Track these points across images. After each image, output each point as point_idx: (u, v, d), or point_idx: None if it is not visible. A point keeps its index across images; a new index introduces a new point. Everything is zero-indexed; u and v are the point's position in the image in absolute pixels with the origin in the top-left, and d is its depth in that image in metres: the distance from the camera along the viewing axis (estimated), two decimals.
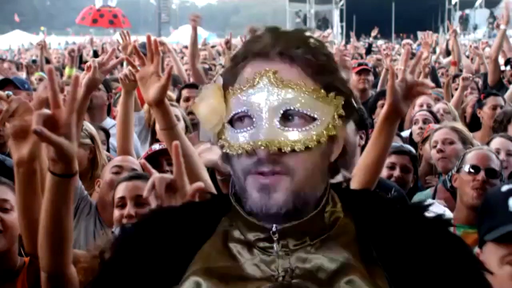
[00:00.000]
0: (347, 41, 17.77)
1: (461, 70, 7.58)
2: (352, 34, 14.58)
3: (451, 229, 1.17)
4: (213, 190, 2.03)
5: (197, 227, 1.17)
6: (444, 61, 9.83)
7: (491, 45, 8.44)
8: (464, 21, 32.57)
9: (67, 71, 6.39)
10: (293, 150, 1.06)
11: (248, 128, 1.09)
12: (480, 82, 7.08)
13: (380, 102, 4.86)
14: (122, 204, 2.52)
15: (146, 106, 4.06)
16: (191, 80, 6.26)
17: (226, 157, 1.14)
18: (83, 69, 4.07)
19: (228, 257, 1.12)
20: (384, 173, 3.27)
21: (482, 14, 32.13)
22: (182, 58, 9.79)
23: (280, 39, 1.10)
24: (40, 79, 6.38)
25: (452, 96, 5.75)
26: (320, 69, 1.10)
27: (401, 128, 4.82)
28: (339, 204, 1.18)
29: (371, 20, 20.53)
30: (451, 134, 3.56)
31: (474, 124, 5.22)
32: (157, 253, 1.14)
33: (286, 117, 1.08)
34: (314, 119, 1.09)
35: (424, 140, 4.10)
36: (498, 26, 7.00)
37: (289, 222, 1.09)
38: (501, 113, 4.58)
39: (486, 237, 1.70)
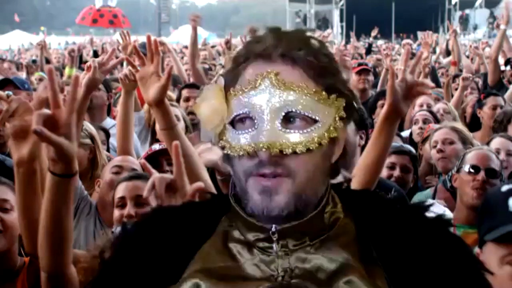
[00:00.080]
0: (347, 41, 17.76)
1: (461, 70, 7.58)
2: (352, 34, 14.58)
3: (451, 229, 1.17)
4: (213, 190, 2.03)
5: (197, 227, 1.17)
6: (444, 61, 9.83)
7: (491, 45, 8.44)
8: (464, 21, 32.57)
9: (67, 71, 6.39)
10: (294, 152, 1.06)
11: (250, 130, 1.09)
12: (480, 82, 7.08)
13: (380, 102, 4.86)
14: (122, 204, 2.52)
15: (146, 106, 4.06)
16: (191, 80, 6.25)
17: (227, 158, 1.14)
18: (83, 69, 4.07)
19: (228, 257, 1.13)
20: (384, 173, 3.27)
21: (482, 14, 32.13)
22: (182, 58, 9.79)
23: (282, 40, 1.10)
24: (40, 79, 6.38)
25: (452, 96, 5.76)
26: (322, 71, 1.10)
27: (401, 128, 4.82)
28: (339, 204, 1.18)
29: (371, 20, 20.53)
30: (451, 134, 3.56)
31: (474, 124, 5.22)
32: (157, 252, 1.14)
33: (288, 119, 1.08)
34: (315, 121, 1.09)
35: (424, 140, 4.10)
36: (498, 26, 7.00)
37: (289, 222, 1.09)
38: (501, 113, 4.58)
39: (486, 237, 1.70)
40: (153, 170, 1.78)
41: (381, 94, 4.83)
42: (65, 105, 1.44)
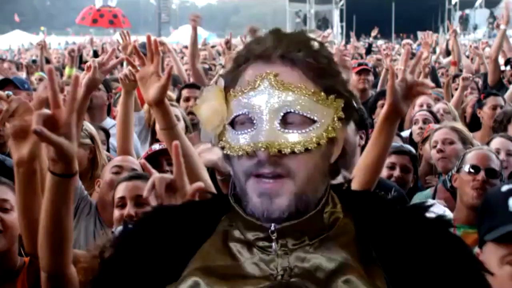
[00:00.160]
0: (347, 41, 17.77)
1: (461, 70, 7.58)
2: (352, 34, 14.58)
3: (451, 229, 1.17)
4: (213, 190, 2.03)
5: (197, 226, 1.18)
6: (444, 61, 9.83)
7: (491, 45, 8.44)
8: (464, 21, 32.58)
9: (67, 71, 6.40)
10: (293, 152, 1.07)
11: (249, 130, 1.10)
12: (480, 82, 7.08)
13: (380, 102, 4.86)
14: (122, 204, 2.52)
15: (146, 106, 4.06)
16: (191, 80, 6.25)
17: (226, 159, 1.15)
18: (83, 69, 4.07)
19: (228, 256, 1.13)
20: (384, 173, 3.27)
21: (482, 14, 32.14)
22: (182, 58, 9.79)
23: (282, 41, 1.11)
24: (40, 79, 6.38)
25: (452, 96, 5.76)
26: (321, 72, 1.11)
27: (401, 128, 4.82)
28: (338, 204, 1.18)
29: (371, 20, 20.54)
30: (451, 134, 3.56)
31: (474, 124, 5.22)
32: (158, 250, 1.15)
33: (286, 120, 1.09)
34: (314, 121, 1.09)
35: (424, 140, 4.10)
36: (498, 26, 7.00)
37: (288, 222, 1.10)
38: (501, 113, 4.58)
39: (486, 237, 1.70)
40: (153, 170, 1.78)
41: (381, 94, 4.83)
42: (65, 105, 1.44)
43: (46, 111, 1.43)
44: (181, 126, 3.43)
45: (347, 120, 1.15)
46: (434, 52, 10.36)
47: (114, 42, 13.24)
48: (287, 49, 1.10)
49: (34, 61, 9.93)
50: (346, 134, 1.17)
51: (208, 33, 28.25)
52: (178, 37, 29.12)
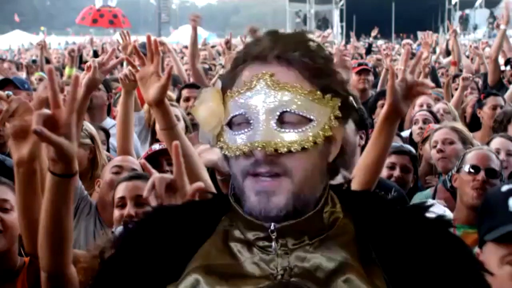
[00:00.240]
0: (347, 41, 17.77)
1: (461, 70, 7.58)
2: (352, 34, 14.57)
3: (451, 229, 1.18)
4: (213, 190, 2.03)
5: (197, 225, 1.18)
6: (444, 61, 9.83)
7: (491, 45, 8.44)
8: (464, 21, 32.58)
9: (67, 71, 6.40)
10: (290, 151, 1.07)
11: (246, 130, 1.11)
12: (480, 82, 7.08)
13: (380, 102, 4.86)
14: (122, 204, 2.52)
15: (146, 106, 4.06)
16: (191, 80, 6.25)
17: (225, 159, 1.16)
18: (83, 69, 4.07)
19: (228, 255, 1.13)
20: (384, 173, 3.27)
21: (482, 14, 32.14)
22: (182, 58, 9.79)
23: (278, 42, 1.12)
24: (40, 79, 6.38)
25: (452, 96, 5.76)
26: (318, 72, 1.12)
27: (401, 128, 4.82)
28: (338, 204, 1.18)
29: (371, 20, 20.54)
30: (451, 134, 3.56)
31: (474, 124, 5.22)
32: (158, 250, 1.15)
33: (283, 119, 1.10)
34: (310, 120, 1.10)
35: (424, 140, 4.10)
36: (498, 26, 7.00)
37: (287, 221, 1.10)
38: (501, 113, 4.58)
39: (486, 237, 1.70)
40: (153, 170, 1.78)
41: (381, 94, 4.83)
42: (65, 105, 1.44)
43: (46, 111, 1.43)
44: (181, 126, 3.43)
45: (344, 119, 1.15)
46: (434, 52, 10.37)
47: (114, 42, 13.24)
48: (283, 49, 1.11)
49: (34, 61, 9.93)
50: (345, 133, 1.17)
51: (208, 33, 28.26)
52: (178, 37, 29.12)
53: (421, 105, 4.94)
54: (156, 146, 3.17)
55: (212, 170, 2.65)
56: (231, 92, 1.14)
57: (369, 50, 12.21)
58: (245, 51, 1.16)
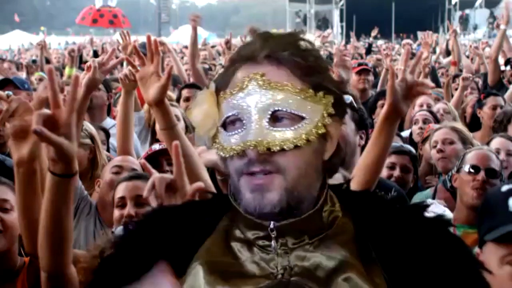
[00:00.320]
0: (347, 41, 17.78)
1: (461, 70, 7.58)
2: (352, 34, 14.58)
3: (451, 229, 1.18)
4: (213, 190, 2.03)
5: (198, 224, 1.18)
6: (444, 61, 9.83)
7: (491, 45, 8.44)
8: (464, 21, 32.60)
9: (67, 71, 6.40)
10: (282, 150, 1.08)
11: (239, 131, 1.12)
12: (480, 82, 7.08)
13: (380, 102, 4.86)
14: (122, 204, 2.52)
15: (146, 106, 4.06)
16: (191, 80, 6.25)
17: (222, 160, 1.17)
18: (83, 69, 4.07)
19: (229, 255, 1.14)
20: (384, 173, 3.27)
21: (482, 14, 32.16)
22: (182, 58, 9.79)
23: (268, 42, 1.14)
24: (40, 79, 6.38)
25: (452, 96, 5.76)
26: (309, 70, 1.13)
27: (401, 128, 4.82)
28: (337, 204, 1.19)
29: (371, 20, 20.54)
30: (451, 134, 3.56)
31: (474, 124, 5.22)
32: (159, 247, 1.15)
33: (275, 118, 1.10)
34: (302, 118, 1.11)
35: (424, 140, 4.10)
36: (498, 26, 7.00)
37: (285, 219, 1.11)
38: (501, 113, 4.58)
39: (486, 237, 1.70)
40: (153, 170, 1.78)
41: (381, 94, 4.83)
42: (65, 105, 1.44)
43: (46, 111, 1.43)
44: (181, 126, 3.43)
45: (339, 116, 1.16)
46: (434, 52, 10.37)
47: (114, 42, 13.24)
48: (273, 49, 1.12)
49: (34, 61, 9.93)
50: (341, 131, 1.18)
51: (208, 33, 28.26)
52: (178, 37, 29.12)
53: (421, 105, 4.94)
54: (156, 146, 3.17)
55: (212, 170, 2.65)
56: (224, 94, 1.15)
57: (369, 50, 12.21)
58: (237, 53, 1.18)
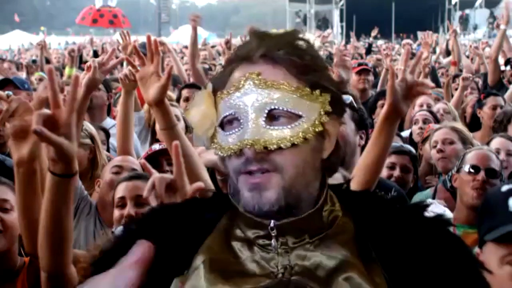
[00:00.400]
0: (347, 41, 17.78)
1: (461, 70, 7.58)
2: (352, 34, 14.58)
3: (451, 229, 1.18)
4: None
5: (198, 222, 1.18)
6: (444, 61, 9.83)
7: (491, 45, 8.44)
8: (464, 21, 32.60)
9: (67, 71, 6.40)
10: (280, 148, 1.08)
11: (236, 130, 1.12)
12: (480, 82, 7.08)
13: (380, 102, 4.86)
14: (122, 204, 2.52)
15: (146, 106, 4.06)
16: (191, 80, 6.26)
17: (221, 160, 1.17)
18: (83, 69, 4.07)
19: (230, 253, 1.14)
20: (384, 173, 3.27)
21: (482, 14, 32.16)
22: (182, 58, 9.79)
23: (264, 42, 1.14)
24: (40, 79, 6.38)
25: (452, 96, 5.76)
26: (305, 68, 1.13)
27: (401, 128, 4.82)
28: (337, 203, 1.19)
29: (371, 20, 20.54)
30: (451, 134, 3.56)
31: (474, 124, 5.23)
32: (160, 244, 1.14)
33: (272, 116, 1.11)
34: (299, 116, 1.11)
35: (424, 140, 4.10)
36: (498, 26, 7.01)
37: (285, 218, 1.11)
38: (501, 113, 4.58)
39: (486, 237, 1.70)
40: (153, 170, 1.78)
41: (381, 94, 4.83)
42: (65, 105, 1.44)
43: (46, 111, 1.43)
44: (181, 126, 3.43)
45: (337, 114, 1.16)
46: (434, 52, 10.37)
47: (114, 42, 13.25)
48: (268, 48, 1.13)
49: (34, 61, 9.93)
50: (340, 130, 1.18)
51: (208, 33, 28.27)
52: (178, 37, 29.13)
53: (421, 105, 4.94)
54: (156, 146, 3.17)
55: (212, 170, 2.65)
56: (221, 94, 1.15)
57: (369, 50, 12.21)
58: (234, 53, 1.19)
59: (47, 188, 1.59)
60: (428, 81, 2.36)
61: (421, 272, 1.09)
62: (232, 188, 1.15)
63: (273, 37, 1.16)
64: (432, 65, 7.30)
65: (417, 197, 3.36)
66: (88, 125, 3.38)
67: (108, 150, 3.81)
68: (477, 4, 33.38)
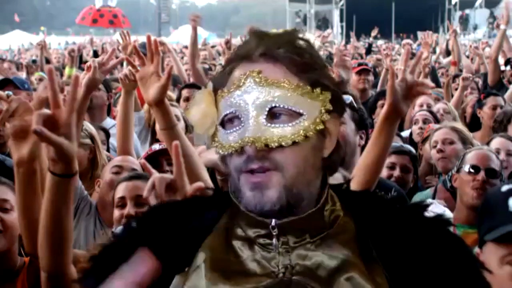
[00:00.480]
0: (347, 41, 17.78)
1: (461, 70, 7.58)
2: (352, 34, 14.58)
3: (451, 228, 1.18)
4: None
5: (198, 220, 1.18)
6: (444, 61, 9.83)
7: (491, 45, 8.44)
8: (464, 21, 32.60)
9: (67, 71, 6.40)
10: (281, 146, 1.08)
11: (237, 128, 1.12)
12: (480, 82, 7.08)
13: (380, 102, 4.86)
14: (122, 204, 2.52)
15: (146, 106, 4.06)
16: (191, 80, 6.26)
17: (222, 159, 1.17)
18: (83, 69, 4.07)
19: (230, 253, 1.14)
20: (384, 173, 3.27)
21: (482, 14, 32.16)
22: (182, 58, 9.79)
23: (263, 40, 1.14)
24: (40, 79, 6.38)
25: (452, 96, 5.76)
26: (305, 66, 1.13)
27: (401, 128, 4.82)
28: (338, 203, 1.19)
29: (371, 20, 20.54)
30: (451, 134, 3.56)
31: (474, 124, 5.22)
32: (160, 242, 1.14)
33: (273, 114, 1.11)
34: (300, 114, 1.11)
35: (424, 140, 4.10)
36: (498, 26, 7.01)
37: (286, 218, 1.10)
38: (501, 113, 4.58)
39: (486, 237, 1.70)
40: (153, 170, 1.78)
41: (381, 94, 4.83)
42: (65, 105, 1.44)
43: (46, 111, 1.43)
44: (181, 126, 3.43)
45: (338, 112, 1.16)
46: (434, 52, 10.37)
47: (114, 42, 13.25)
48: (268, 47, 1.13)
49: (34, 61, 9.93)
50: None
51: (208, 33, 28.27)
52: (178, 37, 29.12)
53: (421, 105, 4.94)
54: (156, 146, 3.17)
55: (212, 170, 2.65)
56: (222, 92, 1.16)
57: (369, 50, 12.21)
58: (234, 53, 1.19)
59: (47, 188, 1.59)
60: (428, 81, 2.36)
61: (422, 272, 1.09)
62: (234, 187, 1.14)
63: (272, 36, 1.16)
64: (432, 65, 7.30)
65: (417, 197, 3.36)
66: (88, 125, 3.38)
67: (108, 150, 3.81)
68: (477, 4, 33.38)
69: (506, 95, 5.56)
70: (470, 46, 10.09)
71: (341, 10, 33.56)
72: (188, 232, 1.16)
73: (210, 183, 2.14)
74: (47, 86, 1.44)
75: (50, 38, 27.55)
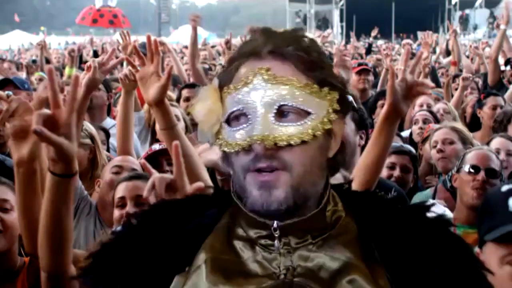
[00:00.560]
0: (347, 41, 17.77)
1: (461, 70, 7.58)
2: (352, 34, 14.58)
3: (452, 229, 1.18)
4: None
5: (199, 219, 1.17)
6: (444, 61, 9.83)
7: (491, 45, 8.44)
8: (464, 21, 32.60)
9: (67, 71, 6.40)
10: (289, 145, 1.07)
11: (244, 126, 1.11)
12: (480, 82, 7.08)
13: (380, 102, 4.86)
14: (122, 204, 2.52)
15: (146, 106, 4.06)
16: (191, 80, 6.25)
17: (225, 157, 1.15)
18: (83, 69, 4.07)
19: (231, 253, 1.13)
20: (384, 173, 3.27)
21: (482, 14, 32.16)
22: (182, 58, 9.79)
23: (271, 38, 1.13)
24: (40, 79, 6.38)
25: (452, 96, 5.76)
26: (313, 65, 1.13)
27: (401, 128, 4.82)
28: (339, 203, 1.18)
29: (371, 20, 20.54)
30: (451, 134, 3.56)
31: (474, 124, 5.22)
32: (161, 241, 1.14)
33: (281, 113, 1.10)
34: (308, 113, 1.10)
35: (424, 140, 4.10)
36: (498, 26, 7.01)
37: (289, 219, 1.10)
38: (501, 113, 4.58)
39: (486, 237, 1.70)
40: (153, 170, 1.78)
41: (381, 94, 4.83)
42: (65, 105, 1.44)
43: (46, 111, 1.43)
44: (181, 126, 3.43)
45: (343, 113, 1.15)
46: (434, 52, 10.37)
47: (114, 42, 13.24)
48: (277, 44, 1.12)
49: (34, 61, 9.92)
50: (344, 130, 1.18)
51: (208, 33, 28.26)
52: (178, 37, 29.12)
53: (421, 105, 4.94)
54: (156, 146, 3.17)
55: (212, 170, 2.65)
56: (228, 89, 1.14)
57: (369, 50, 12.21)
58: (240, 49, 1.17)
59: (47, 188, 1.59)
60: (428, 81, 2.36)
61: (424, 272, 1.08)
62: (238, 186, 1.13)
63: (280, 34, 1.15)
64: (432, 65, 7.30)
65: (417, 197, 3.36)
66: (88, 125, 3.38)
67: (108, 150, 3.81)
68: (477, 4, 33.38)
69: (506, 95, 5.56)
70: (470, 46, 10.09)
71: (341, 10, 33.57)
72: (188, 231, 1.15)
73: (210, 183, 2.14)
74: (47, 86, 1.44)
75: (50, 38, 27.54)
